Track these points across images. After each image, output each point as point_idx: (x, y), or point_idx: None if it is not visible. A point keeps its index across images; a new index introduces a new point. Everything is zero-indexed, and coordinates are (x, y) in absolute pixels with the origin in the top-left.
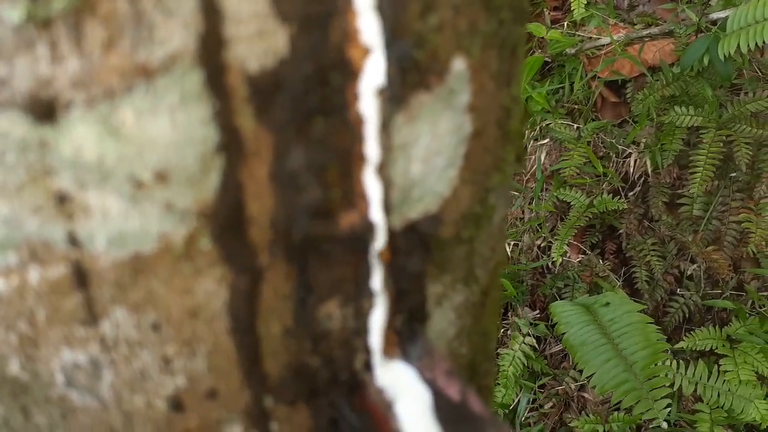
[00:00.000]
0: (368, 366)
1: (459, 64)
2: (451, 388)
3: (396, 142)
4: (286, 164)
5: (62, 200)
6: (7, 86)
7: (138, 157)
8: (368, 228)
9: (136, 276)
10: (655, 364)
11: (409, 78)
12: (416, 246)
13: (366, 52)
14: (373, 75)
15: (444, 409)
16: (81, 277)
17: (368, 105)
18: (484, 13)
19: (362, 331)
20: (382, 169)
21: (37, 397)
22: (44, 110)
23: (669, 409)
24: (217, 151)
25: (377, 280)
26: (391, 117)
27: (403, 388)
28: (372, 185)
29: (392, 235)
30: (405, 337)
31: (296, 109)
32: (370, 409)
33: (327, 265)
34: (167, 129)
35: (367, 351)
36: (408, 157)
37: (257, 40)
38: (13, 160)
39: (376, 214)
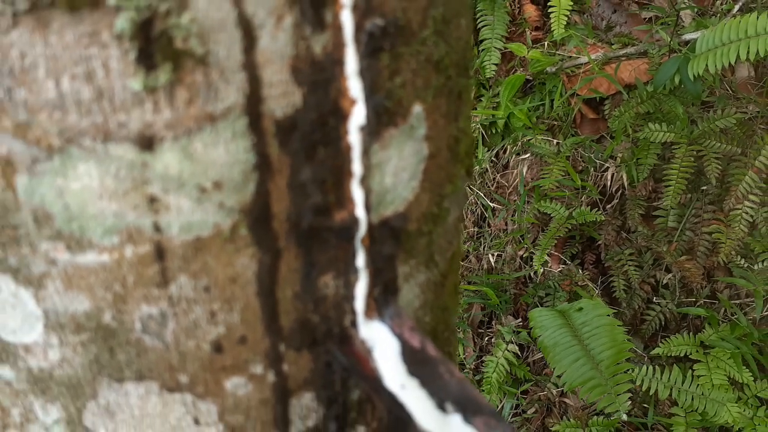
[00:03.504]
0: (354, 323)
1: (417, 108)
2: (414, 339)
3: (373, 162)
4: (299, 178)
5: (152, 201)
6: (125, 127)
7: (203, 172)
8: (354, 222)
9: (197, 252)
10: (619, 363)
11: (382, 119)
12: (389, 236)
13: (353, 102)
14: (358, 118)
15: (408, 353)
16: (160, 253)
17: (354, 138)
18: (434, 73)
19: (350, 297)
20: (364, 181)
21: (121, 340)
22: (146, 143)
23: (630, 402)
24: (254, 169)
25: (361, 260)
26: (370, 145)
27: (379, 339)
28: (357, 192)
29: (371, 227)
30: (381, 303)
31: (306, 141)
32: (355, 354)
33: (325, 248)
34: (223, 154)
35: (353, 312)
36: (382, 173)
37: (282, 98)
38: (124, 174)
39: (360, 212)
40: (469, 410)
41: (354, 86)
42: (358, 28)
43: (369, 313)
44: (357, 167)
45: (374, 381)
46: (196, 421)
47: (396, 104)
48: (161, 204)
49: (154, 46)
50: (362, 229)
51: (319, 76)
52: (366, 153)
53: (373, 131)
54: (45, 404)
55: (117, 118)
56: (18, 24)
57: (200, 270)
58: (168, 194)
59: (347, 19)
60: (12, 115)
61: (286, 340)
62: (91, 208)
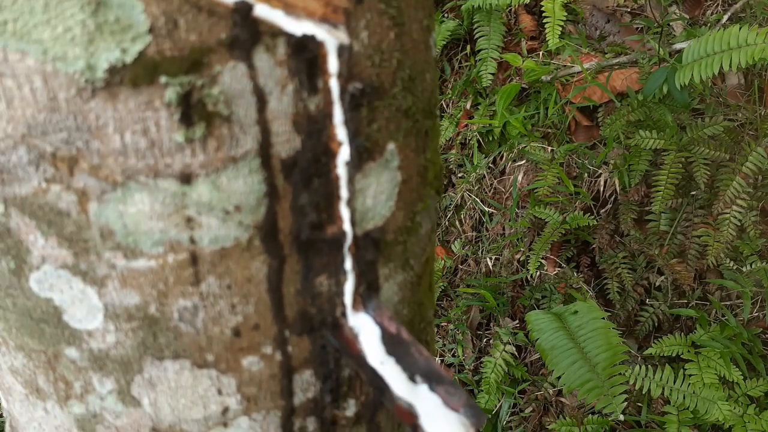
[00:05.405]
0: (344, 314)
1: (391, 146)
2: (391, 326)
3: (357, 188)
4: (299, 202)
5: (189, 221)
6: (170, 167)
7: (227, 199)
8: (343, 235)
9: (222, 259)
10: (615, 365)
11: (363, 156)
12: (371, 245)
13: (340, 144)
14: (344, 156)
15: (387, 337)
16: (194, 259)
17: (341, 170)
18: (404, 118)
19: (340, 293)
20: (350, 203)
21: (162, 327)
22: (186, 178)
23: (626, 403)
24: (265, 196)
25: (348, 264)
26: (354, 175)
27: (364, 326)
28: (344, 211)
29: (356, 238)
30: (365, 298)
31: (304, 174)
32: (345, 338)
33: (320, 255)
34: (242, 186)
35: (343, 305)
36: (364, 196)
37: (286, 143)
38: (168, 202)
39: (347, 227)
40: (433, 381)
41: (340, 133)
42: (343, 90)
43: (355, 306)
44: (344, 192)
45: (360, 359)
46: (219, 392)
47: (373, 144)
48: (195, 223)
49: (192, 110)
50: (349, 240)
51: (313, 127)
52: (351, 181)
53: (356, 165)
54: (101, 378)
55: (164, 161)
56: (95, 96)
57: (224, 272)
58: (201, 216)
59: (334, 85)
60: (88, 160)
61: (290, 327)
62: (143, 226)
